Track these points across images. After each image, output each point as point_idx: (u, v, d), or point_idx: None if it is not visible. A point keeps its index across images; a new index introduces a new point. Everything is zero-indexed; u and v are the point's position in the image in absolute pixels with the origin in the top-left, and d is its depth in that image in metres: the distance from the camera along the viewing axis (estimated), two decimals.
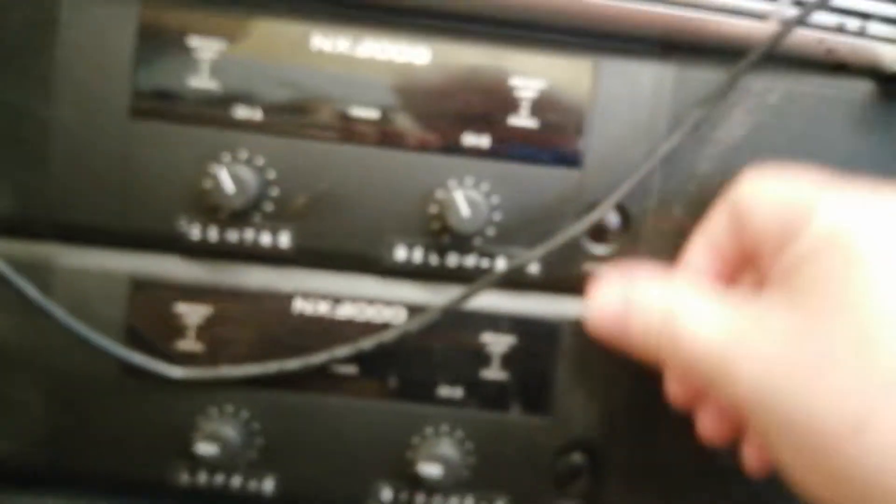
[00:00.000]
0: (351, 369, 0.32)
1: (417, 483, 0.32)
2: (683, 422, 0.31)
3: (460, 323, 0.32)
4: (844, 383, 0.21)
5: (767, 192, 0.26)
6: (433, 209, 0.31)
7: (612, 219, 0.32)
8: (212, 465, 0.32)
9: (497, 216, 0.31)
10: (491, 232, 0.31)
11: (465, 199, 0.30)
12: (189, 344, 0.32)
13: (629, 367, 0.32)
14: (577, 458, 0.33)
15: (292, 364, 0.31)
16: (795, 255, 0.24)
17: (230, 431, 0.31)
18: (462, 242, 0.31)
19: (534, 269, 0.32)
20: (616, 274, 0.29)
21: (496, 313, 0.32)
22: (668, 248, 0.32)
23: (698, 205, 0.31)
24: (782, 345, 0.23)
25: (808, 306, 0.23)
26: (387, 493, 0.33)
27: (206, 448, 0.31)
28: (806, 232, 0.24)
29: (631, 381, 0.33)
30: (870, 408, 0.21)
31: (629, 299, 0.27)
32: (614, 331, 0.28)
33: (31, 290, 0.30)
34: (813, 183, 0.25)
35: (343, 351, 0.31)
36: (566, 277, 0.32)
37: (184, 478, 0.32)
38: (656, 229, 0.32)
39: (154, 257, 0.32)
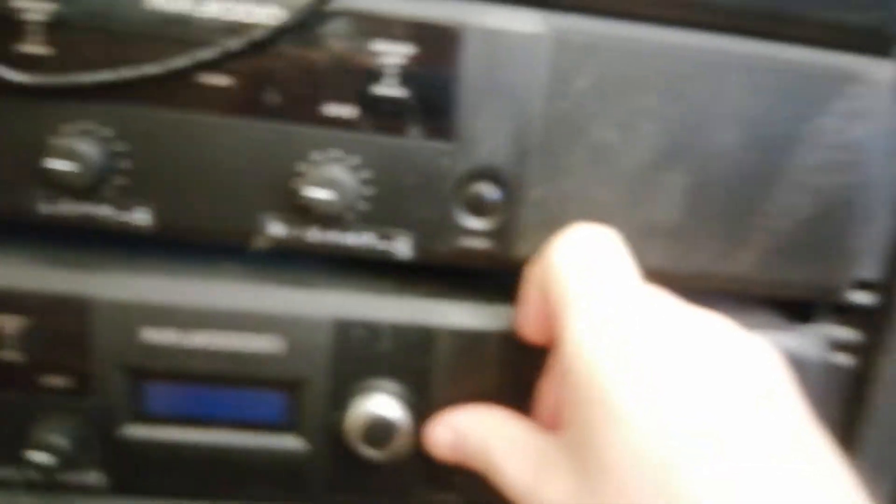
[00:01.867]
0: (221, 80, 0.28)
1: (309, 215, 0.29)
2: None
3: (347, 27, 0.28)
4: None
5: (555, 269, 0.27)
6: None
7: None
8: (70, 188, 0.28)
9: None
10: None
11: None
12: (35, 48, 0.27)
13: (542, 80, 0.28)
14: (485, 188, 0.30)
15: (151, 69, 0.27)
16: (565, 383, 0.25)
17: (87, 147, 0.28)
18: None
19: None
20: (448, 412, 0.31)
21: (391, 16, 0.28)
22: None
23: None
24: (571, 499, 0.24)
25: (586, 466, 0.23)
26: (275, 227, 0.30)
27: (59, 163, 0.27)
28: (564, 340, 0.25)
29: (545, 98, 0.28)
30: None
31: (457, 430, 0.30)
32: (455, 456, 0.30)
33: None
34: (580, 279, 0.26)
35: (207, 53, 0.27)
36: None
37: (42, 206, 0.29)
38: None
39: None
